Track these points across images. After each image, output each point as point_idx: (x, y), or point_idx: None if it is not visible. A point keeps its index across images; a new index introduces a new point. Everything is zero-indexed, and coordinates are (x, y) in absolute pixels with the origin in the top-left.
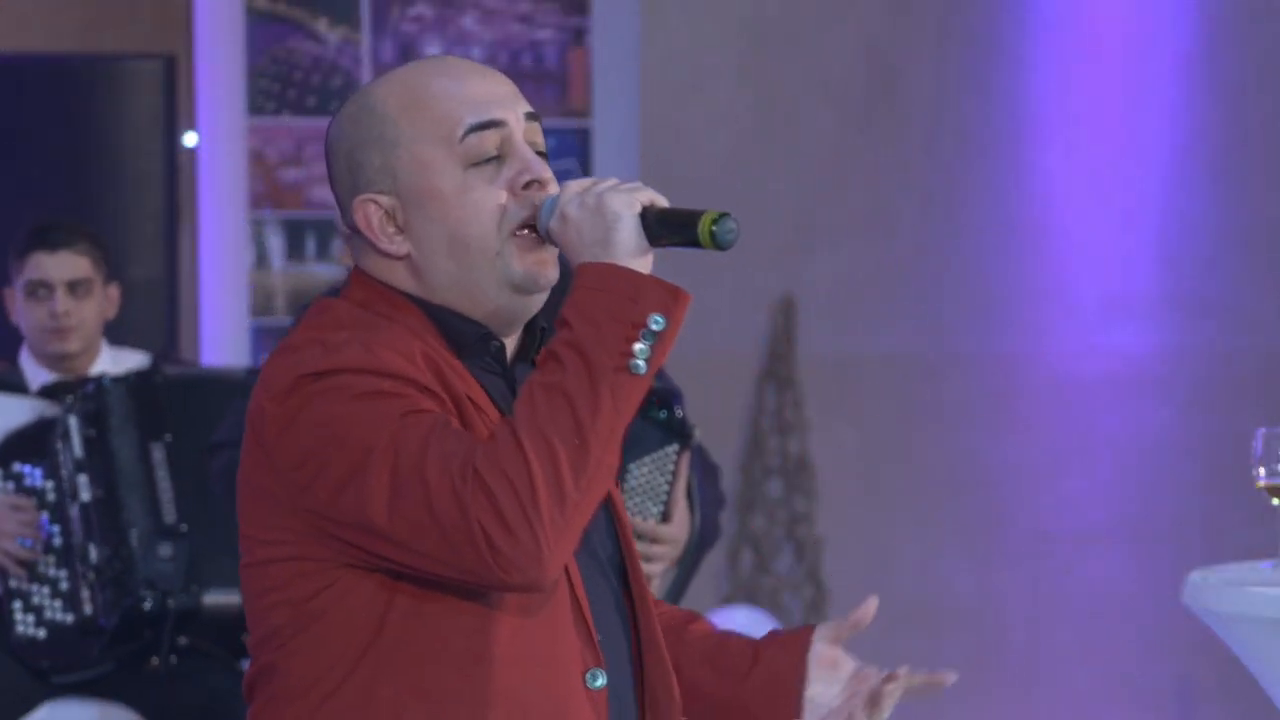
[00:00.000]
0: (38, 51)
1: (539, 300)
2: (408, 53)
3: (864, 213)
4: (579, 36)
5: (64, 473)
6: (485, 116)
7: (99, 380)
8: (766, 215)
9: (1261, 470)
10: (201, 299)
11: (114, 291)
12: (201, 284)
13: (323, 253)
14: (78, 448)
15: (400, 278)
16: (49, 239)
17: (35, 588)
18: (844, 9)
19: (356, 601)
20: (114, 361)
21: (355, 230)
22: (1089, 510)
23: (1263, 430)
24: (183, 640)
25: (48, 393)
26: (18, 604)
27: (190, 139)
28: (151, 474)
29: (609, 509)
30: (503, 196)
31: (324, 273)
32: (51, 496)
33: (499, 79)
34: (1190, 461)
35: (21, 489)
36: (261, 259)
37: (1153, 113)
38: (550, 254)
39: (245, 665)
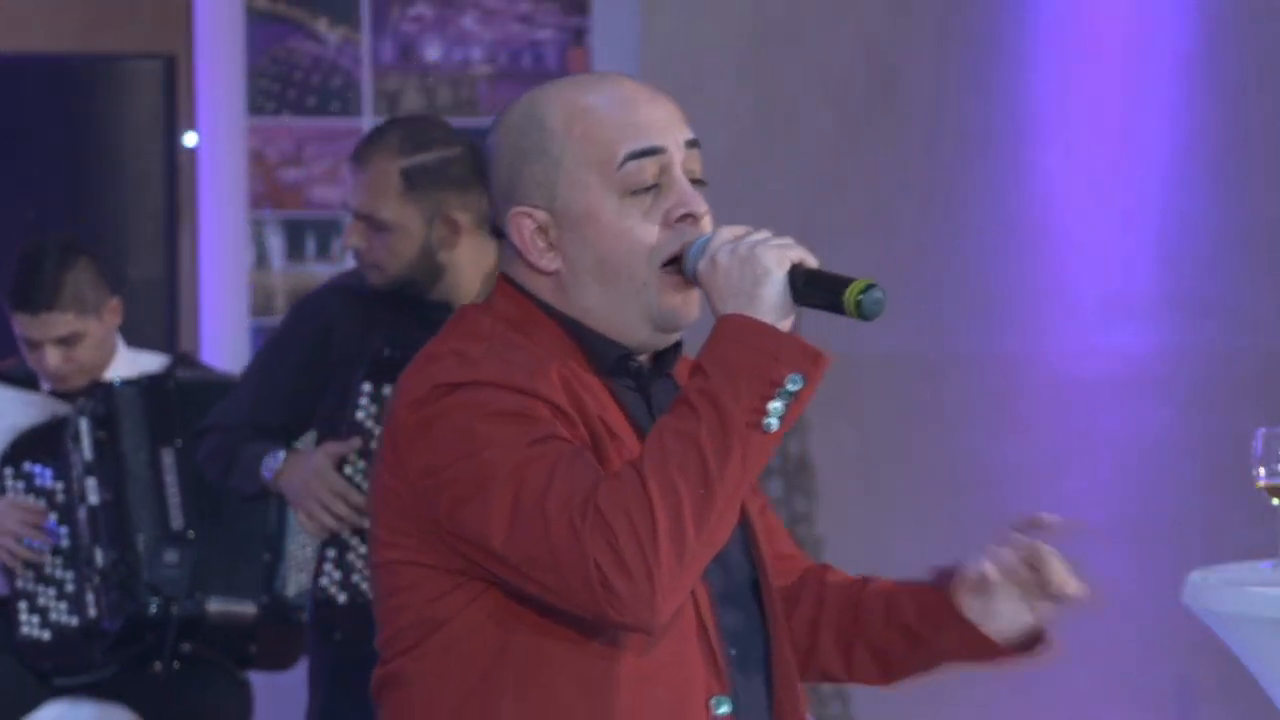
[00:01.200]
0: (38, 51)
1: (675, 336)
2: (408, 53)
3: (864, 213)
4: (579, 36)
5: (74, 474)
6: (645, 144)
7: (111, 383)
8: (766, 215)
9: (1261, 470)
10: (201, 299)
11: (116, 305)
12: (201, 284)
13: (323, 253)
14: (88, 450)
15: (545, 291)
16: (30, 300)
17: (42, 589)
18: (844, 9)
19: (483, 611)
20: (131, 364)
21: (505, 238)
22: (1089, 510)
23: (1263, 430)
24: (186, 646)
25: (60, 392)
26: (24, 604)
27: (190, 139)
28: (160, 479)
29: (745, 529)
30: (655, 230)
31: (324, 273)
32: (60, 498)
33: (665, 104)
34: (1190, 461)
35: (31, 489)
36: (261, 259)
37: (1153, 113)
38: (694, 295)
39: (248, 675)
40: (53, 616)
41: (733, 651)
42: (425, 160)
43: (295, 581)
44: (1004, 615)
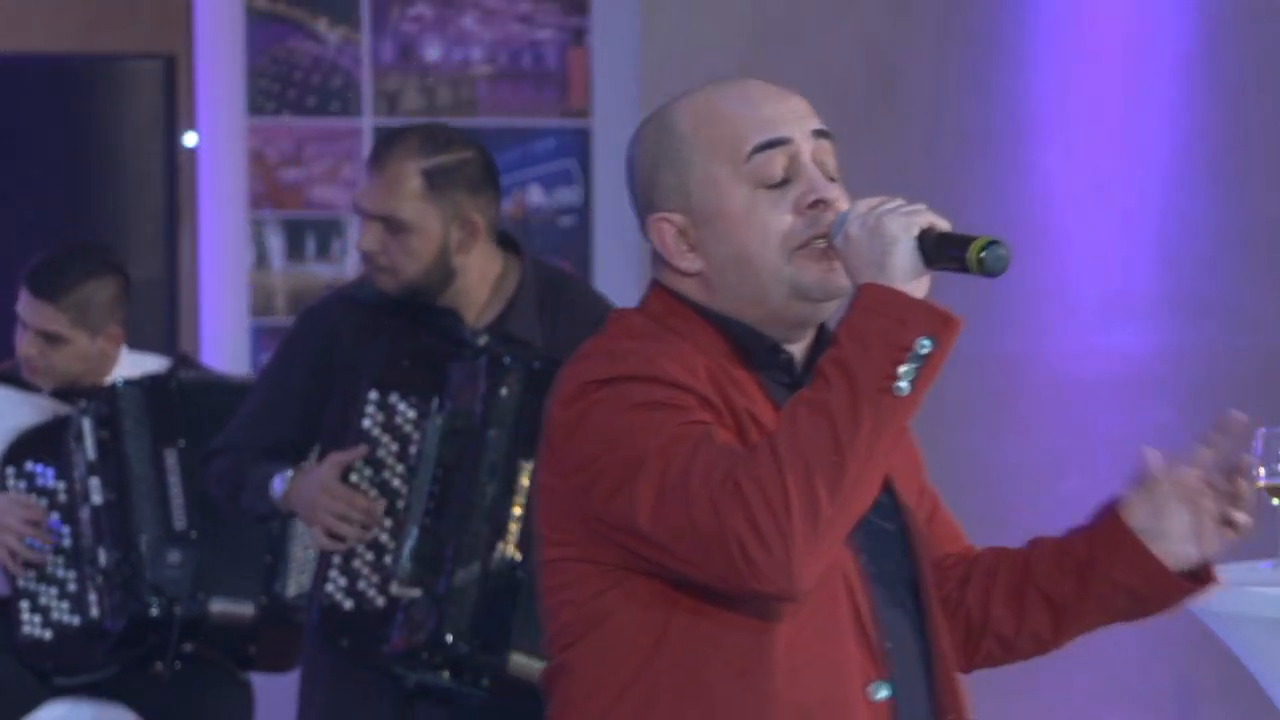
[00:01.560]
0: (38, 51)
1: (829, 308)
2: (408, 53)
3: None
4: (579, 36)
5: (76, 474)
6: (771, 135)
7: (114, 383)
8: None
9: (1261, 470)
10: (201, 299)
11: (118, 334)
12: (201, 284)
13: (323, 253)
14: (91, 450)
15: (693, 292)
16: (37, 282)
17: (43, 588)
18: (844, 9)
19: (640, 604)
20: (133, 365)
21: (651, 246)
22: (1089, 510)
23: (1263, 430)
24: (188, 647)
25: (61, 394)
26: (25, 604)
27: (190, 139)
28: (163, 479)
29: (904, 527)
30: (787, 220)
31: (324, 272)
32: (63, 498)
33: (792, 99)
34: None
35: (33, 489)
36: (261, 259)
37: (1153, 113)
38: (839, 264)
39: (249, 675)
40: (54, 616)
41: (888, 644)
42: (444, 161)
43: (296, 583)
44: (1172, 538)
